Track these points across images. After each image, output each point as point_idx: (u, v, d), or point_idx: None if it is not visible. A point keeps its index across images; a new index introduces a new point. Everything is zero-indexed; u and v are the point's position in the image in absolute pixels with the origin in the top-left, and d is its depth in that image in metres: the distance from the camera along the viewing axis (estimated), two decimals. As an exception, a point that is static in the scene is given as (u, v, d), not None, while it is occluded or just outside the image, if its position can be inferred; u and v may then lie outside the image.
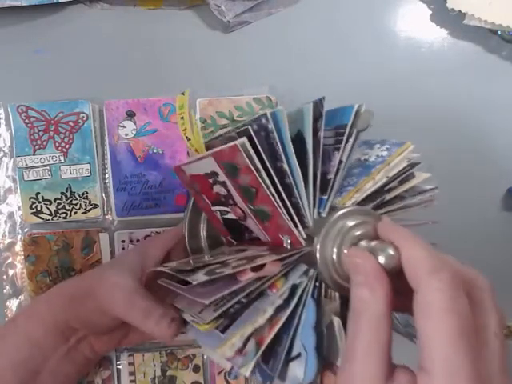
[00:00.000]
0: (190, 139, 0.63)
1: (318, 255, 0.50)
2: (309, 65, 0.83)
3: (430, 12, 0.83)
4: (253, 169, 0.51)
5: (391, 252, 0.45)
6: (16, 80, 0.82)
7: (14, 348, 0.63)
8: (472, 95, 0.83)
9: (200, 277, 0.51)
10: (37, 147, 0.79)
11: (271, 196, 0.52)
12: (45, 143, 0.79)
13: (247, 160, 0.50)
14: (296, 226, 0.54)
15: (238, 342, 0.51)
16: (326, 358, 0.52)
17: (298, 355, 0.52)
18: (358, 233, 0.50)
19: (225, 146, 0.52)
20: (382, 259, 0.45)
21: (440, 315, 0.39)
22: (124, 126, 0.79)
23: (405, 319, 0.58)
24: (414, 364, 0.43)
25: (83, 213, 0.80)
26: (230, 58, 0.83)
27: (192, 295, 0.53)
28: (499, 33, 0.80)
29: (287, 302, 0.53)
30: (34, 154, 0.79)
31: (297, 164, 0.52)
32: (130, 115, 0.79)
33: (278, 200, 0.52)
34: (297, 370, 0.51)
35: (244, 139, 0.50)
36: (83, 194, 0.80)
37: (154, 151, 0.80)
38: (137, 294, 0.62)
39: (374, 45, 0.83)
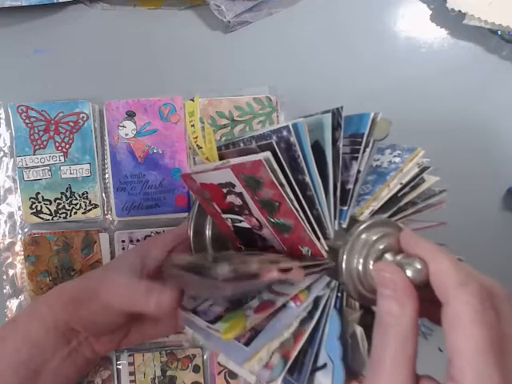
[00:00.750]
0: (201, 147, 0.62)
1: (343, 267, 0.50)
2: (308, 65, 0.83)
3: (430, 12, 0.83)
4: (277, 184, 0.50)
5: (418, 266, 0.45)
6: (16, 80, 0.82)
7: (14, 349, 0.63)
8: (472, 95, 0.83)
9: (224, 269, 0.50)
10: (37, 147, 0.79)
11: (295, 210, 0.51)
12: (45, 143, 0.79)
13: (272, 175, 0.50)
14: (318, 239, 0.53)
15: (266, 356, 0.51)
16: (351, 367, 0.52)
17: (324, 365, 0.52)
18: (382, 246, 0.50)
19: (246, 159, 0.51)
20: (409, 273, 0.45)
21: (470, 328, 0.40)
22: (124, 126, 0.79)
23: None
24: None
25: (83, 213, 0.80)
26: (229, 58, 0.83)
27: (209, 286, 0.52)
28: (499, 33, 0.80)
29: (311, 314, 0.53)
30: (34, 154, 0.79)
31: (318, 176, 0.52)
32: (130, 115, 0.79)
33: (302, 214, 0.52)
34: (323, 380, 0.51)
35: (268, 154, 0.49)
36: (83, 194, 0.80)
37: (154, 151, 0.80)
38: (136, 279, 0.64)
39: (373, 45, 0.83)
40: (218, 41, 0.83)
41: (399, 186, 0.56)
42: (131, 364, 0.81)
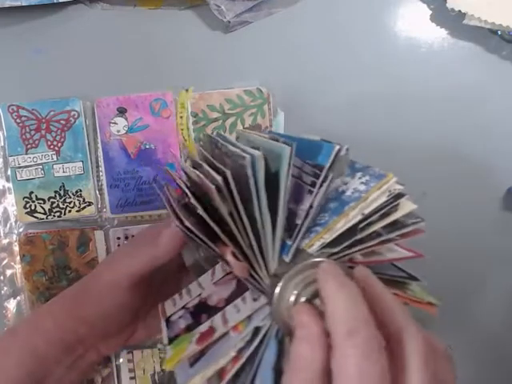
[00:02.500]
0: (186, 140, 0.62)
1: (275, 295, 0.50)
2: (309, 65, 0.83)
3: (430, 12, 0.83)
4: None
5: None
6: (11, 80, 0.82)
7: (17, 362, 0.63)
8: (472, 95, 0.82)
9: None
10: (29, 146, 0.79)
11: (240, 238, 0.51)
12: (37, 142, 0.79)
13: (221, 203, 0.49)
14: (255, 270, 0.52)
15: (199, 382, 0.52)
16: None
17: None
18: (314, 288, 0.49)
19: (206, 182, 0.50)
20: None
21: (350, 382, 0.39)
22: (116, 123, 0.79)
23: None
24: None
25: (77, 211, 0.80)
26: (229, 58, 0.83)
27: None
28: (499, 33, 0.79)
29: (249, 343, 0.52)
30: (26, 154, 0.79)
31: (268, 213, 0.50)
32: (122, 112, 0.79)
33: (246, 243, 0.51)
34: None
35: (220, 183, 0.48)
36: (77, 192, 0.80)
37: (147, 147, 0.80)
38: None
39: (373, 45, 0.83)
40: (217, 41, 0.83)
41: (360, 217, 0.52)
42: (130, 361, 0.82)
